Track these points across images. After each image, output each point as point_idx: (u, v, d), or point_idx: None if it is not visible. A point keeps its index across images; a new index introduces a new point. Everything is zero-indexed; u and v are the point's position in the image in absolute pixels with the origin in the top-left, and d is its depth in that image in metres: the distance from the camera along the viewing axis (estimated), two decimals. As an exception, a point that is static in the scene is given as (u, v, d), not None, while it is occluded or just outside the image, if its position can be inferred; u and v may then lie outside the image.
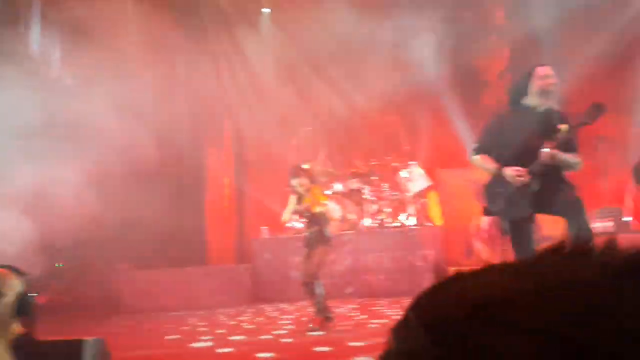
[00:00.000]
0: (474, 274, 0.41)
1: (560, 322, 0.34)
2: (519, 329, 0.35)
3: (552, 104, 3.50)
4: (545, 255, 0.41)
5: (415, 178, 8.11)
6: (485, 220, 7.33)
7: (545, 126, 3.40)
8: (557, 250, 0.41)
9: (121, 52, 7.60)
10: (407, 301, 0.42)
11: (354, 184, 8.34)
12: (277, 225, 7.71)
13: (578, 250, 0.40)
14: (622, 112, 8.47)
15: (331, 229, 5.32)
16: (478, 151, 3.65)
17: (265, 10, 9.66)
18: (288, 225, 7.56)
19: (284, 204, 7.78)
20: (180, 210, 8.19)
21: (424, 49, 8.54)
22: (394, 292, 6.91)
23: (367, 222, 8.08)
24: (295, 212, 5.43)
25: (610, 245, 0.39)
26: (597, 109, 3.28)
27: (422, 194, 8.28)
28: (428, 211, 8.37)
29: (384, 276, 7.21)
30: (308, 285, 5.17)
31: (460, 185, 7.49)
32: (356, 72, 9.19)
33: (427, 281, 7.08)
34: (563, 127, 3.34)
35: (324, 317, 5.09)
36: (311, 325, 5.06)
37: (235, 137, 9.68)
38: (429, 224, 7.96)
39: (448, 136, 8.58)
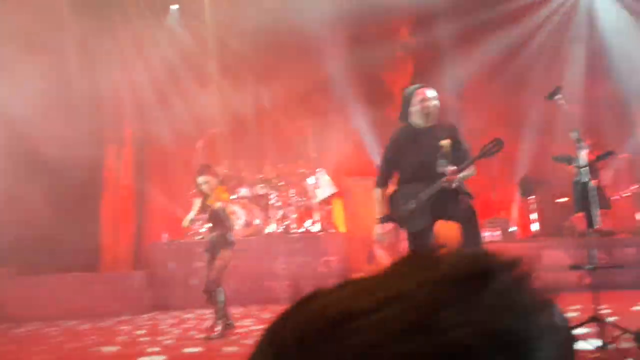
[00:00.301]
0: (328, 292, 0.42)
1: (382, 340, 0.35)
2: (349, 348, 0.36)
3: (435, 121, 3.70)
4: (391, 269, 0.42)
5: (321, 185, 8.20)
6: (387, 227, 7.58)
7: (432, 143, 3.61)
8: (403, 262, 0.42)
9: (14, 40, 7.01)
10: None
11: (261, 189, 8.27)
12: (179, 230, 7.44)
13: (421, 263, 0.41)
14: (512, 127, 9.18)
15: (234, 233, 5.22)
16: (377, 184, 3.86)
17: (174, 7, 9.35)
18: (190, 231, 7.34)
19: (188, 209, 7.53)
20: (71, 211, 7.63)
21: (332, 59, 8.71)
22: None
23: (272, 227, 8.03)
24: (199, 212, 5.26)
25: (451, 255, 0.41)
26: (497, 144, 3.52)
27: (327, 201, 8.40)
28: (333, 218, 8.50)
29: (288, 282, 7.19)
30: (209, 292, 5.02)
31: (364, 193, 7.68)
32: (266, 75, 9.17)
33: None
34: (444, 142, 3.57)
35: (225, 324, 4.96)
36: (214, 334, 4.92)
37: (138, 136, 9.20)
38: (333, 231, 8.07)
39: (354, 145, 8.80)
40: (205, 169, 5.25)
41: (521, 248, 7.62)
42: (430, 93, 3.67)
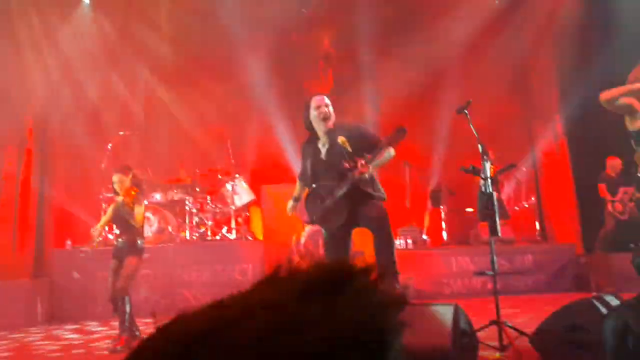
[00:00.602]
0: (196, 313, 0.45)
1: (252, 343, 0.37)
2: None
3: (332, 125, 3.91)
4: (261, 280, 0.46)
5: (239, 192, 8.08)
6: (304, 235, 7.61)
7: (334, 143, 3.84)
8: (271, 274, 0.46)
9: None
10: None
11: (176, 194, 8.00)
12: (86, 237, 7.00)
13: (286, 275, 0.46)
14: (426, 139, 9.58)
15: (144, 239, 5.00)
16: (298, 180, 4.24)
17: (86, 0, 8.87)
18: (98, 238, 6.94)
19: (95, 214, 7.13)
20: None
21: (252, 65, 8.66)
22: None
23: (187, 234, 7.80)
24: (109, 218, 4.99)
25: (313, 266, 0.45)
26: (401, 132, 3.69)
27: (245, 208, 8.29)
28: (250, 225, 8.41)
29: (202, 290, 7.00)
30: (116, 301, 4.76)
31: (283, 200, 7.66)
32: (184, 77, 8.93)
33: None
34: (341, 139, 3.78)
35: (130, 335, 4.72)
36: (119, 346, 4.65)
37: (40, 137, 8.57)
38: (250, 238, 7.98)
39: (274, 152, 8.78)
40: (123, 169, 5.02)
41: (431, 256, 7.95)
42: (325, 100, 3.91)
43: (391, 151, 3.91)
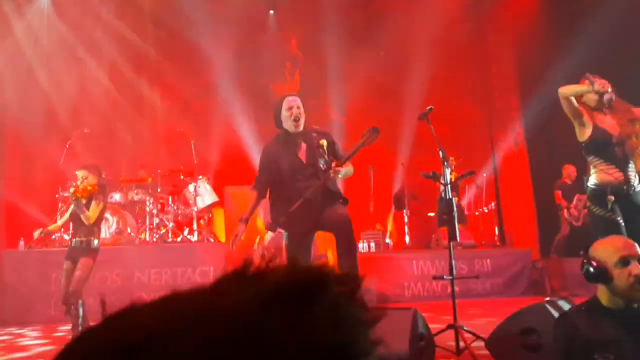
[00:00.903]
0: (142, 308, 0.40)
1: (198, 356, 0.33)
2: None
3: (302, 126, 3.87)
4: (219, 281, 0.41)
5: (202, 193, 7.97)
6: (267, 237, 7.56)
7: (310, 144, 3.82)
8: (230, 277, 0.41)
9: None
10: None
11: (136, 194, 7.82)
12: (40, 237, 6.75)
13: (248, 277, 0.40)
14: (391, 143, 9.67)
15: (100, 240, 4.85)
16: (254, 186, 3.90)
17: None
18: (50, 238, 6.73)
19: (51, 213, 6.89)
20: None
21: (218, 65, 8.57)
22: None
23: (147, 236, 7.63)
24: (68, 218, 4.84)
25: (281, 270, 0.40)
26: (374, 132, 3.70)
27: (208, 210, 8.17)
28: (212, 227, 8.29)
29: (162, 293, 6.84)
30: (69, 304, 4.60)
31: (247, 202, 7.59)
32: (147, 75, 8.75)
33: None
34: (323, 142, 3.79)
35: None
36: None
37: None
38: (212, 240, 7.87)
39: (238, 154, 8.70)
40: (92, 167, 4.88)
41: (393, 259, 8.02)
42: (297, 101, 3.87)
43: (352, 169, 3.89)
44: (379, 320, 0.41)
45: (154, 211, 7.73)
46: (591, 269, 2.10)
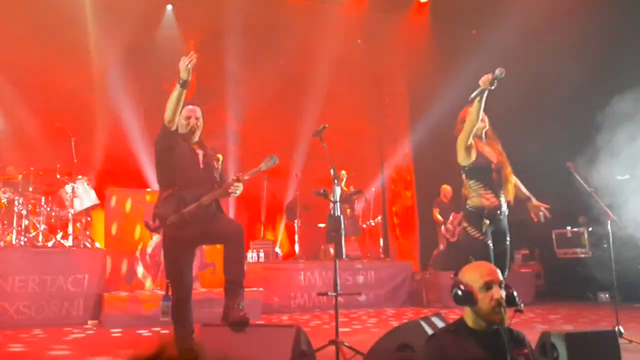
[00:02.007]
0: None
1: None
2: None
3: (198, 137, 3.80)
4: None
5: (80, 194, 7.40)
6: (152, 244, 7.20)
7: (209, 154, 3.76)
8: None
9: None
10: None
11: (4, 193, 7.06)
12: None
13: None
14: (286, 153, 9.70)
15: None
16: (164, 185, 3.71)
17: None
18: None
19: None
20: None
21: (109, 59, 8.07)
22: (37, 321, 6.10)
23: (13, 238, 6.92)
24: None
25: None
26: (274, 160, 3.71)
27: (87, 212, 7.61)
28: (91, 231, 7.73)
29: (26, 302, 6.23)
30: None
31: (130, 206, 7.18)
32: (27, 63, 8.00)
33: (78, 308, 6.47)
34: (219, 156, 3.79)
35: None
36: None
37: None
38: (89, 245, 7.34)
39: (123, 154, 8.22)
40: None
41: (281, 269, 8.04)
42: (196, 112, 3.78)
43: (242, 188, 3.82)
44: None
45: (24, 212, 7.04)
46: (459, 292, 2.25)
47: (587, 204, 4.97)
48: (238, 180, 3.63)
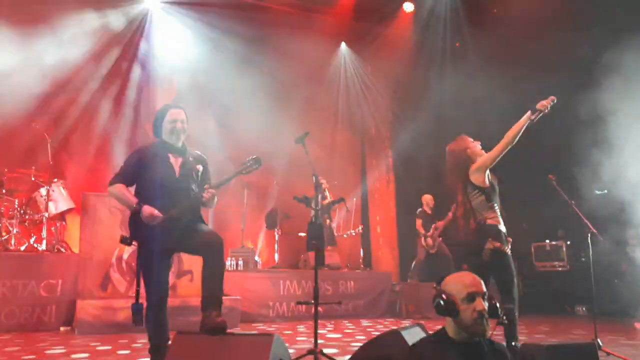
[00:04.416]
0: None
1: None
2: None
3: (182, 141, 3.67)
4: None
5: (56, 198, 7.23)
6: (128, 250, 7.04)
7: (187, 163, 3.61)
8: None
9: None
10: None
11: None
12: None
13: None
14: (266, 161, 9.61)
15: None
16: (117, 180, 3.50)
17: None
18: None
19: None
20: None
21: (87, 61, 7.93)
22: (8, 327, 5.96)
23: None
24: None
25: None
26: (255, 162, 3.59)
27: (61, 217, 7.43)
28: (65, 236, 7.55)
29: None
30: None
31: (106, 211, 7.02)
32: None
33: (50, 314, 6.29)
34: (198, 166, 3.61)
35: None
36: None
37: None
38: (64, 250, 7.15)
39: (101, 158, 8.07)
40: None
41: (261, 278, 7.94)
42: (182, 115, 3.66)
43: (217, 199, 3.72)
44: None
45: (-4, 215, 6.84)
46: (441, 303, 2.21)
47: (567, 217, 5.02)
48: (210, 190, 3.48)
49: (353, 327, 7.05)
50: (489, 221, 3.86)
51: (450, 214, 8.04)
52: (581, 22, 7.58)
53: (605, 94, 6.30)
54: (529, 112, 3.81)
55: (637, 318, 7.03)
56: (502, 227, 3.87)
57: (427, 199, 9.10)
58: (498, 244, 3.79)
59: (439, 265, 8.36)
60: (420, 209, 9.16)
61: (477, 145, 4.04)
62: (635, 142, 6.00)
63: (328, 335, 5.92)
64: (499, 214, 3.91)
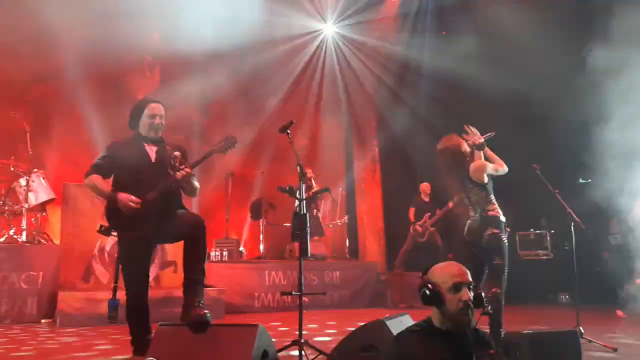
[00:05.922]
0: None
1: None
2: None
3: (160, 135, 3.67)
4: None
5: (36, 188, 7.09)
6: (110, 242, 6.94)
7: (163, 153, 3.59)
8: None
9: None
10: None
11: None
12: None
13: None
14: (252, 151, 9.53)
15: None
16: (92, 171, 3.49)
17: None
18: None
19: None
20: None
21: (68, 48, 7.73)
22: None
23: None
24: None
25: None
26: (229, 141, 3.54)
27: (42, 207, 7.29)
28: (46, 227, 7.42)
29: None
30: None
31: (88, 202, 6.89)
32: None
33: (31, 306, 6.19)
34: (177, 153, 3.60)
35: None
36: None
37: None
38: (44, 242, 7.03)
39: (81, 147, 7.92)
40: None
41: (245, 268, 7.89)
42: (160, 110, 3.65)
43: (197, 184, 3.67)
44: None
45: (-27, 206, 6.70)
46: (427, 292, 2.19)
47: (550, 206, 5.04)
48: (186, 169, 3.46)
49: (339, 317, 7.05)
50: (490, 213, 4.08)
51: (450, 204, 8.08)
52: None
53: (590, 77, 6.30)
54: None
55: (619, 306, 7.13)
56: (503, 218, 4.09)
57: (425, 187, 9.08)
58: (497, 231, 4.01)
59: (427, 255, 8.37)
60: (416, 197, 9.13)
61: (465, 143, 4.24)
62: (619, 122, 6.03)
63: (313, 326, 5.90)
64: (497, 205, 4.13)
